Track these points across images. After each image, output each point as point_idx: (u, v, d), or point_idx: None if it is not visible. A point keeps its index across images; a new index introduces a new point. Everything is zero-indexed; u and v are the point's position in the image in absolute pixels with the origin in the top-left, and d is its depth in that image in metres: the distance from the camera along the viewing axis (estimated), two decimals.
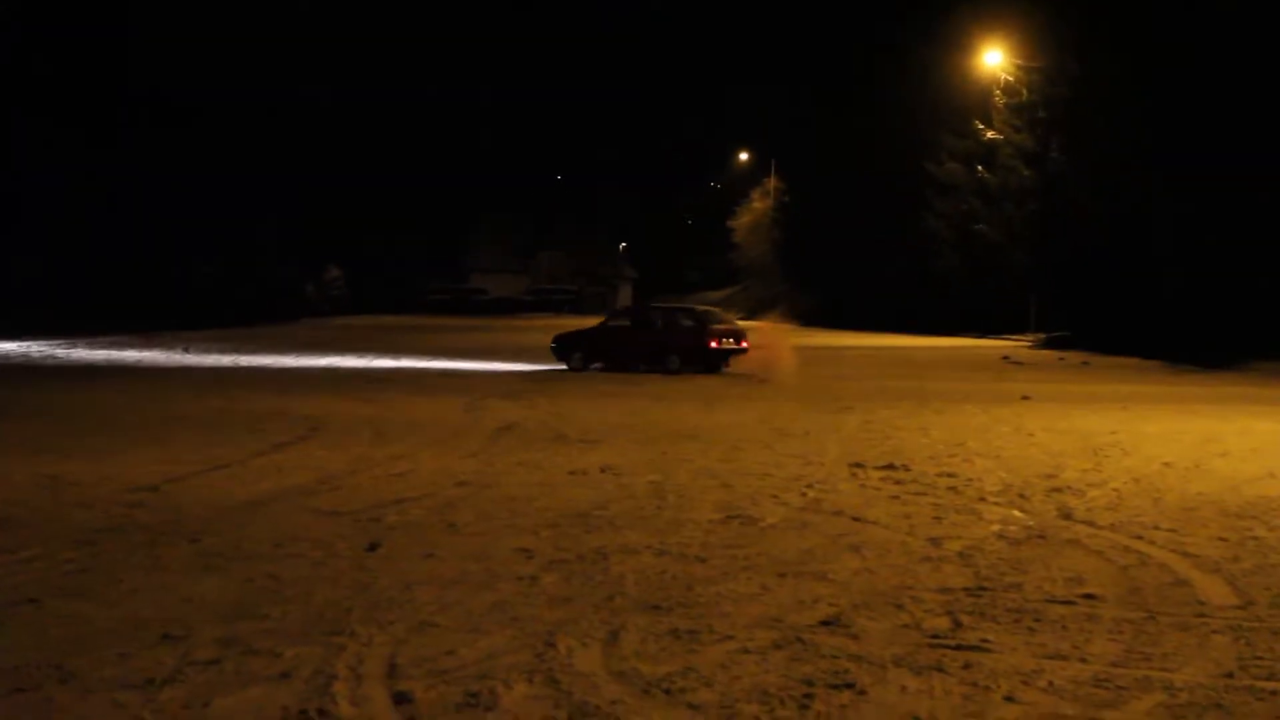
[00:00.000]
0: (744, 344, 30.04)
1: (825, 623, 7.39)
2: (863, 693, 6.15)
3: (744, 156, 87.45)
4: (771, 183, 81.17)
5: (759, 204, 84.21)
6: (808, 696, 6.09)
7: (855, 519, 10.73)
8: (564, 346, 30.40)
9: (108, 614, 7.37)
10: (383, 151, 79.49)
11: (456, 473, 13.07)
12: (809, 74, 67.41)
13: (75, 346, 36.68)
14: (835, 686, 6.23)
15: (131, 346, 37.39)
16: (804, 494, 12.00)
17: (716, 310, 37.55)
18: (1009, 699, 6.10)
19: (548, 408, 20.36)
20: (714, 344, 29.27)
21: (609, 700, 6.00)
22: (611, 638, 7.00)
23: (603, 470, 13.37)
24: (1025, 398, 23.09)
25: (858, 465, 13.94)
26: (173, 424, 17.43)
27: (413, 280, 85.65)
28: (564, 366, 29.90)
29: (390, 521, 10.32)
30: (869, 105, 60.04)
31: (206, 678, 6.23)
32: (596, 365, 29.79)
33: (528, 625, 7.23)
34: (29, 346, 36.04)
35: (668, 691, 6.13)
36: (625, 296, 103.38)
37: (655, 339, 29.81)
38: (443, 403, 21.07)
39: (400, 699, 5.95)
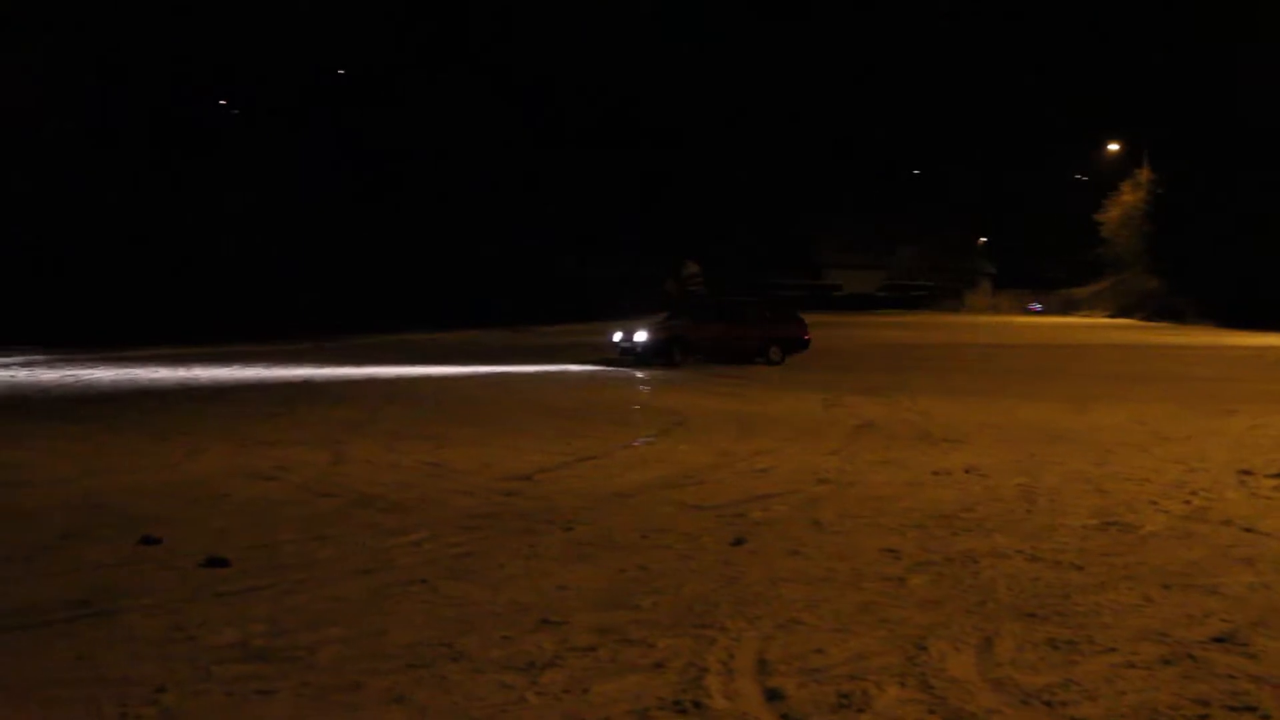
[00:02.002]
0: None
1: (1218, 639, 6.92)
2: (1266, 718, 5.71)
3: (1113, 147, 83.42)
4: (1144, 174, 77.04)
5: (1129, 197, 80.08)
6: (1203, 718, 5.71)
7: (1246, 530, 10.02)
8: (658, 343, 29.05)
9: (491, 597, 7.71)
10: (738, 148, 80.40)
11: (818, 470, 13.03)
12: (1188, 59, 63.62)
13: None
14: (1234, 709, 5.81)
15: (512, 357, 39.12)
16: (1187, 502, 11.31)
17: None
18: None
19: (908, 405, 20.04)
20: (808, 336, 30.58)
21: (985, 709, 5.81)
22: (985, 644, 6.79)
23: (967, 471, 13.02)
24: None
25: (1246, 472, 13.02)
26: (540, 415, 18.14)
27: (766, 275, 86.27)
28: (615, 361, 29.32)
29: (754, 517, 10.37)
30: (1255, 91, 56.09)
31: (584, 664, 6.41)
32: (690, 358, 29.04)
33: (897, 627, 7.11)
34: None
35: (1048, 704, 5.88)
36: (984, 292, 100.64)
37: (756, 331, 29.94)
38: (800, 398, 21.07)
39: (772, 695, 5.95)
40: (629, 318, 30.36)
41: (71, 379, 23.46)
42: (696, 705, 5.83)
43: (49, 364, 27.15)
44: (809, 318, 32.58)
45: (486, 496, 11.25)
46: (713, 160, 74.70)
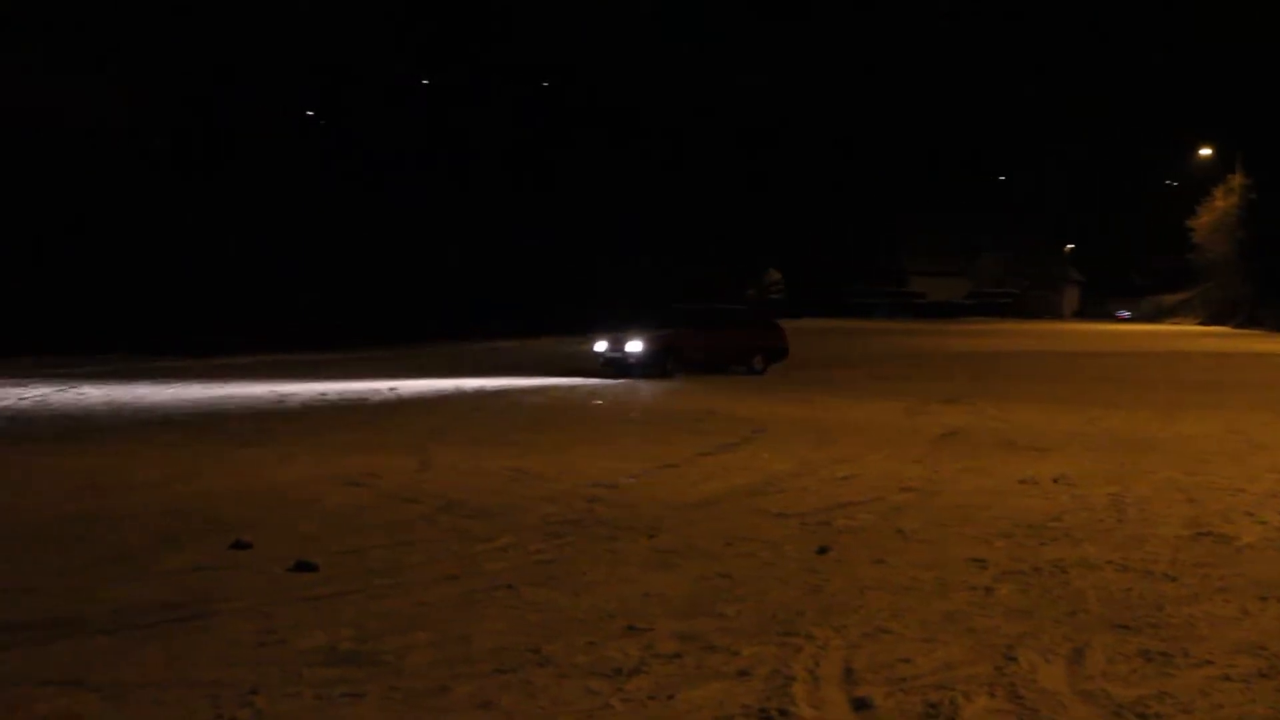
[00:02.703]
0: None
1: None
2: None
3: (1205, 152, 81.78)
4: (1237, 179, 75.50)
5: (1221, 202, 78.53)
6: None
7: None
8: (652, 353, 27.35)
9: (575, 603, 7.73)
10: (824, 155, 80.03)
11: (902, 478, 12.92)
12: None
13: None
14: None
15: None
16: None
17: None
18: None
19: (992, 413, 19.82)
20: (786, 345, 30.44)
21: None
22: (1076, 655, 6.69)
23: (1056, 480, 12.84)
24: None
25: None
26: (618, 422, 18.17)
27: (849, 284, 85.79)
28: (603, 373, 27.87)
29: (838, 525, 10.31)
30: None
31: (669, 671, 6.41)
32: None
33: (985, 637, 7.02)
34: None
35: (1141, 716, 5.78)
36: (1071, 299, 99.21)
37: (744, 339, 29.64)
38: (882, 406, 20.91)
39: (860, 705, 5.90)
40: (641, 325, 28.95)
41: (160, 394, 23.87)
42: (782, 713, 5.80)
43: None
44: (892, 326, 32.42)
45: (569, 503, 11.29)
46: (804, 167, 74.09)
